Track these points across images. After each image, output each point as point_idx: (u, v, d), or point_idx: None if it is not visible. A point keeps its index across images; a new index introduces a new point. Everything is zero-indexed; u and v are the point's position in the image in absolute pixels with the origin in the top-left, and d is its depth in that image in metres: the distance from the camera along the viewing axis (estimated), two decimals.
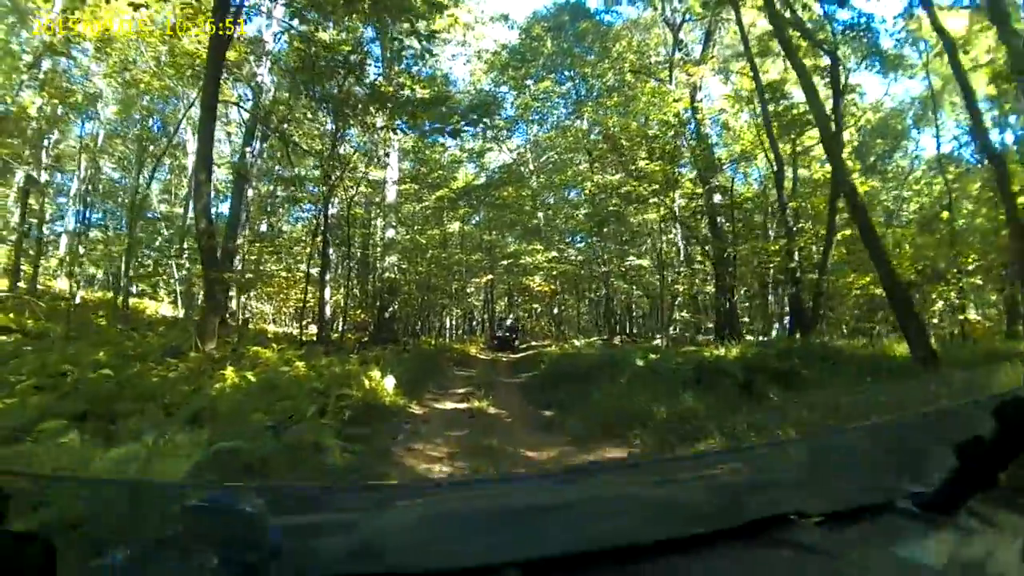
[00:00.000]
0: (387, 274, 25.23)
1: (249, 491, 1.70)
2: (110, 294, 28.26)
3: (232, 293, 26.56)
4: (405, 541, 1.29)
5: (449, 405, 11.44)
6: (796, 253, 20.23)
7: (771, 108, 20.03)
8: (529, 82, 33.09)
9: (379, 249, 26.44)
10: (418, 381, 13.08)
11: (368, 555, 1.19)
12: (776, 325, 25.84)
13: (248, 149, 22.87)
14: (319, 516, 1.53)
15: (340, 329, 31.12)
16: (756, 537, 1.24)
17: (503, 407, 11.23)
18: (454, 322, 38.55)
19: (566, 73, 33.41)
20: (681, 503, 1.60)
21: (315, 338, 21.00)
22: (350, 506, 1.68)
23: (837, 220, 18.10)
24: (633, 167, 20.82)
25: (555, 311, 40.92)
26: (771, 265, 20.88)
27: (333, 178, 19.20)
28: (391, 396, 10.50)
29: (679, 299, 29.39)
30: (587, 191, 25.06)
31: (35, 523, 1.16)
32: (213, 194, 18.02)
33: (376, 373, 11.00)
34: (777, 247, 20.41)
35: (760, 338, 22.52)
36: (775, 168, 20.81)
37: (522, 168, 35.13)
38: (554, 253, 29.51)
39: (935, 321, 21.42)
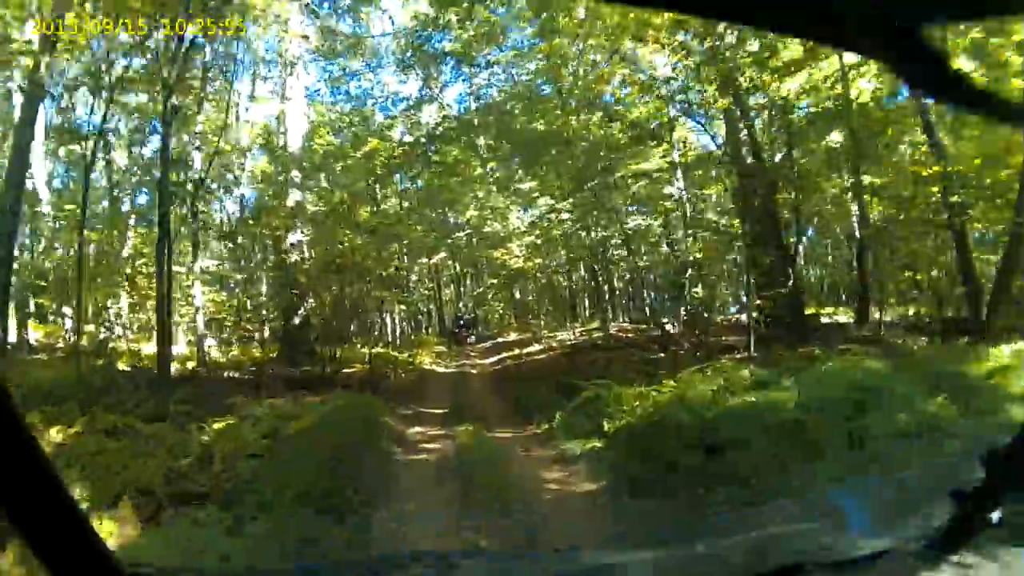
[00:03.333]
0: (293, 257, 15.56)
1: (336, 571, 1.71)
2: None
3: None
4: None
5: None
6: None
7: None
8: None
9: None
10: None
11: None
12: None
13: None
14: None
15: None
16: None
17: None
18: (398, 319, 29.22)
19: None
20: (704, 558, 1.61)
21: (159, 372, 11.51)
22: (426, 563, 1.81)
23: None
24: None
25: (517, 295, 32.20)
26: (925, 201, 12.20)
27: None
28: None
29: (689, 271, 20.28)
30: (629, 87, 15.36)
31: None
32: None
33: None
34: (928, 171, 11.73)
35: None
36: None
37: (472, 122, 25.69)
38: (536, 213, 19.87)
39: None
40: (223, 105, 16.89)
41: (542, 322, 26.43)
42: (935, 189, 11.67)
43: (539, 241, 19.70)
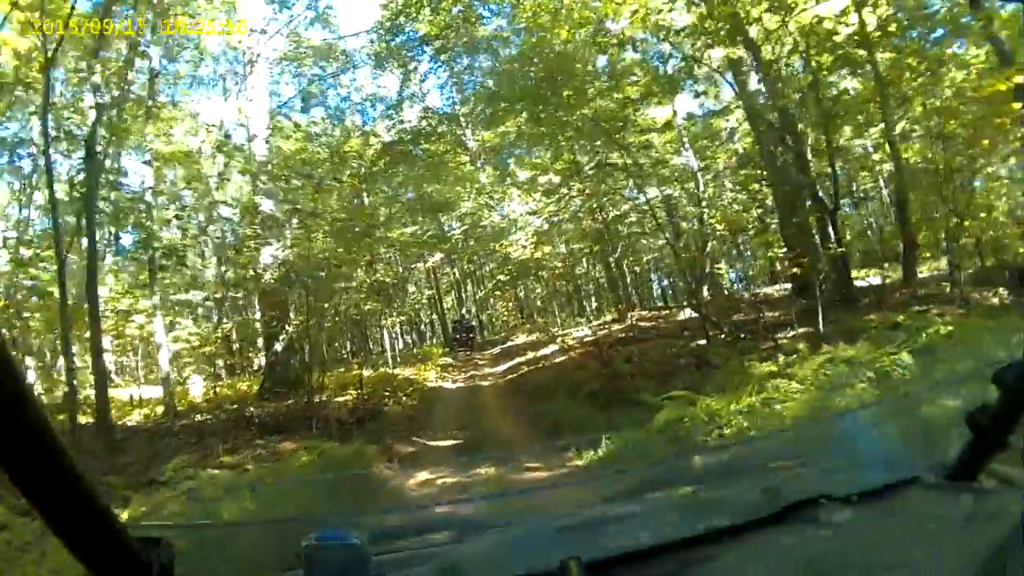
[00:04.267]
0: (268, 275, 13.23)
1: (352, 525, 1.61)
2: None
3: None
4: (483, 558, 1.30)
5: None
6: None
7: None
8: None
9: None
10: None
11: None
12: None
13: None
14: (409, 546, 1.56)
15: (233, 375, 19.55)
16: (787, 521, 1.22)
17: None
18: (398, 332, 27.00)
19: None
20: (717, 500, 1.58)
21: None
22: (436, 530, 1.71)
23: None
24: None
25: (522, 294, 29.97)
26: None
27: None
28: None
29: (710, 246, 17.72)
30: None
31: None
32: None
33: None
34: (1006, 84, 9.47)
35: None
36: None
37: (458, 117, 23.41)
38: (539, 196, 17.25)
39: None
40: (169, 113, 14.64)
41: (557, 319, 24.13)
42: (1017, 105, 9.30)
43: (546, 225, 17.20)
